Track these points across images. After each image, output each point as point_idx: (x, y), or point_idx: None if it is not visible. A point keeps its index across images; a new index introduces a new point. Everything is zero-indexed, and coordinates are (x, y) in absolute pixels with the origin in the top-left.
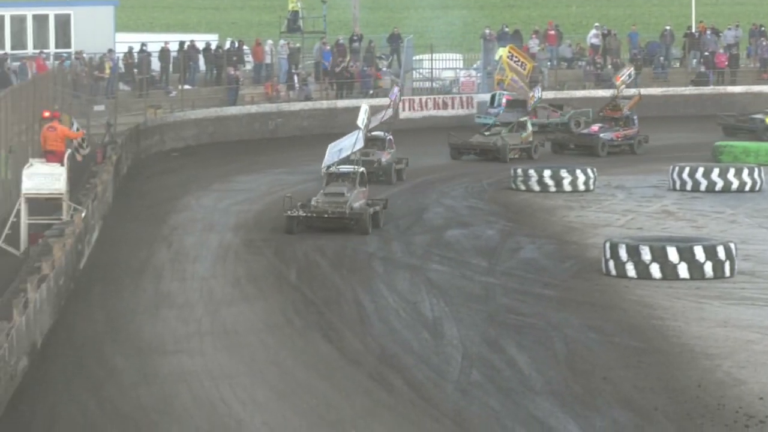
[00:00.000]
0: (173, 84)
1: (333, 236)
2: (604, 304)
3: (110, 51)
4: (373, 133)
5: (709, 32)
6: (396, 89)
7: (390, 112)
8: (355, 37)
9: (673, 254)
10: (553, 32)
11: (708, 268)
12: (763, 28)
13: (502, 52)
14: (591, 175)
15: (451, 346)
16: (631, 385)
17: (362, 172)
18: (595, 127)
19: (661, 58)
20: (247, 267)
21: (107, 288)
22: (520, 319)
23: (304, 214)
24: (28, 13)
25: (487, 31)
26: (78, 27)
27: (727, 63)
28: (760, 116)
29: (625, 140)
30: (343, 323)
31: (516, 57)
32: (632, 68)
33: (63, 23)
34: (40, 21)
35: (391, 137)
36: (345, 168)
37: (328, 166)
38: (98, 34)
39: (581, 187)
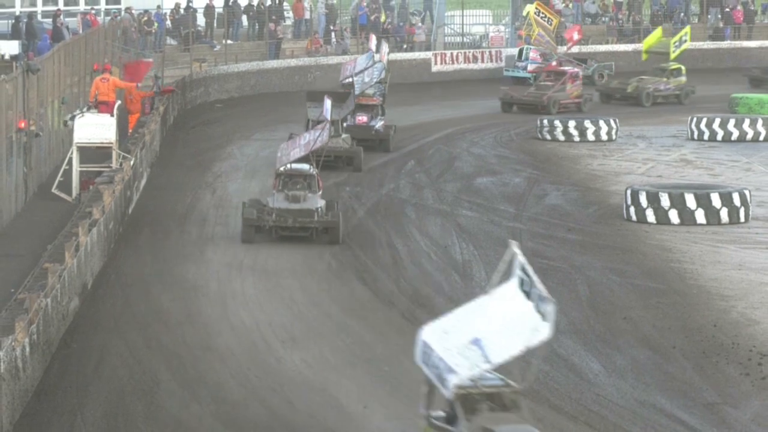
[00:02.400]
0: (217, 39)
1: (369, 183)
2: (625, 248)
3: (158, 7)
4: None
5: None
6: (384, 46)
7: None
8: None
9: (690, 201)
10: None
11: (724, 214)
12: None
13: (529, 8)
14: (613, 125)
15: (479, 288)
16: (650, 324)
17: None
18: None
19: (681, 14)
20: None
21: (154, 232)
22: (545, 262)
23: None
24: None
25: None
26: None
27: (743, 19)
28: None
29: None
30: (378, 266)
31: (543, 13)
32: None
33: None
34: None
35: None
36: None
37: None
38: None
39: (604, 137)
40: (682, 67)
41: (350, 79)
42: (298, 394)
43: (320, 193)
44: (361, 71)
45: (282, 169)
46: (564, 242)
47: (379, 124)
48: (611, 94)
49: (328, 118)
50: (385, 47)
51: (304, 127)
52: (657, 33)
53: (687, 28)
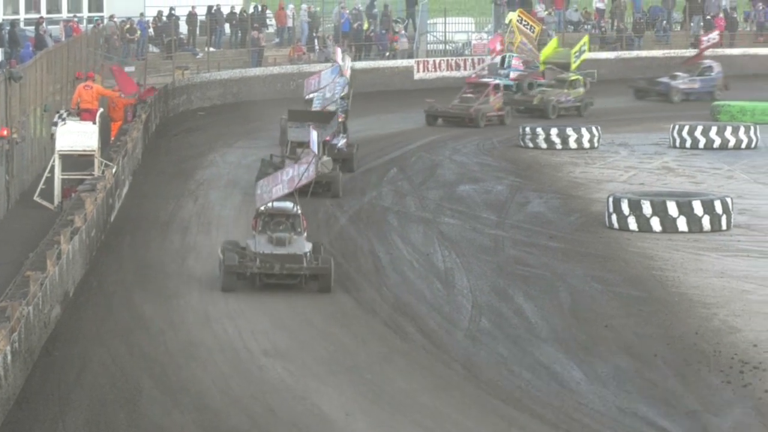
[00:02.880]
0: (200, 46)
1: (350, 191)
2: (607, 256)
3: (141, 15)
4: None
5: None
6: (347, 60)
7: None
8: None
9: (672, 208)
10: None
11: (706, 221)
12: None
13: (512, 16)
14: (596, 133)
15: (461, 296)
16: (632, 332)
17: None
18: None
19: (663, 22)
20: None
21: (136, 240)
22: (527, 269)
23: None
24: None
25: None
26: None
27: (725, 26)
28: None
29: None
30: (360, 274)
31: (525, 21)
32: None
33: None
34: None
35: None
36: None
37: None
38: None
39: (586, 145)
40: (581, 78)
41: (312, 95)
42: (280, 402)
43: (305, 234)
44: (325, 86)
45: (263, 208)
46: (546, 250)
47: (341, 142)
48: (516, 106)
49: (315, 150)
50: (347, 61)
51: (284, 148)
52: (553, 43)
53: (585, 38)
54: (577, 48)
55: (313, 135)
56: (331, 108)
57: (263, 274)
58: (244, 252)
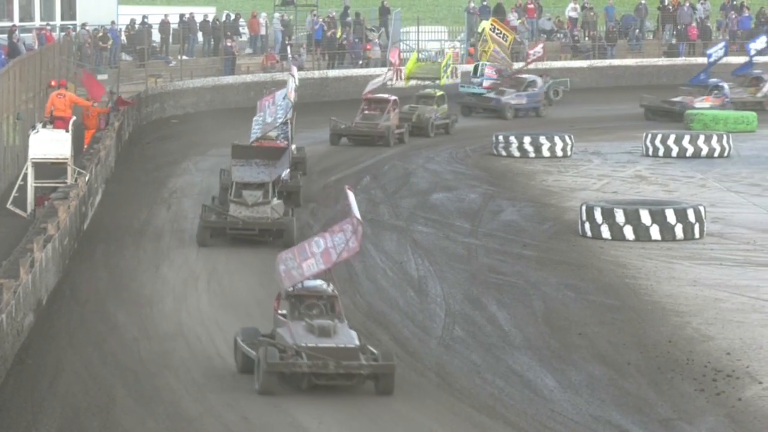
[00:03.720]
0: (173, 54)
1: (324, 199)
2: (580, 264)
3: (113, 23)
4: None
5: (687, 6)
6: (291, 81)
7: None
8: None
9: (645, 217)
10: (531, 6)
11: (678, 230)
12: (735, 2)
13: (485, 25)
14: (568, 141)
15: (435, 304)
16: (606, 340)
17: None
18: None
19: (636, 31)
20: None
21: (109, 248)
22: (501, 278)
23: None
24: None
25: (471, 5)
26: (82, 0)
27: (697, 35)
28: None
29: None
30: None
31: (498, 29)
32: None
33: None
34: None
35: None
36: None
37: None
38: (102, 6)
39: (559, 153)
40: (443, 95)
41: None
42: (254, 411)
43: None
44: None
45: (291, 288)
46: (519, 258)
47: (284, 173)
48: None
49: (358, 215)
50: (291, 82)
51: (229, 191)
52: (413, 58)
53: (449, 53)
54: (445, 62)
55: (351, 197)
56: (272, 134)
57: (314, 374)
58: (281, 346)
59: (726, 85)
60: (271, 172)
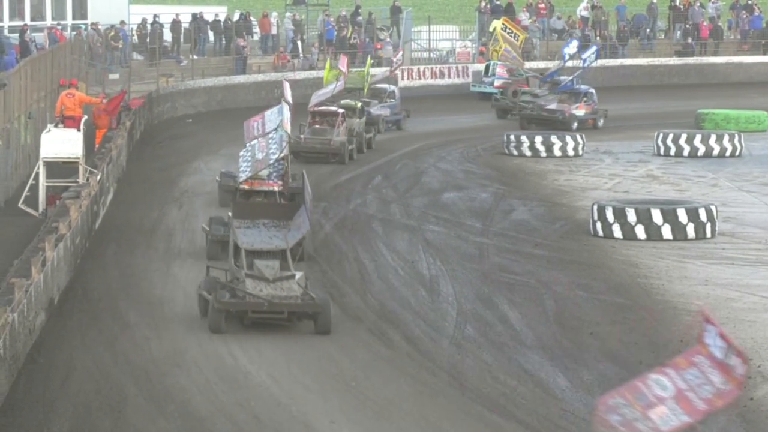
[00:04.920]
0: (184, 54)
1: (336, 198)
2: (592, 263)
3: (122, 22)
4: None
5: (698, 5)
6: (286, 109)
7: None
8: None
9: (657, 216)
10: (543, 5)
11: (690, 229)
12: (749, 2)
13: (496, 24)
14: (580, 141)
15: (446, 303)
16: (617, 339)
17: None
18: None
19: (647, 30)
20: None
21: (121, 247)
22: (512, 277)
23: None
24: None
25: (482, 4)
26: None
27: (709, 34)
28: (556, 107)
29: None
30: (345, 281)
31: (509, 29)
32: (401, 53)
33: None
34: None
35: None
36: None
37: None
38: (113, 6)
39: (570, 153)
40: (363, 106)
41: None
42: (265, 410)
43: None
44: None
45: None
46: (531, 257)
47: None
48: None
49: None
50: (286, 109)
51: (235, 259)
52: (327, 66)
53: (368, 61)
54: (366, 71)
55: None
56: (263, 174)
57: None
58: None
59: (594, 91)
60: (287, 236)
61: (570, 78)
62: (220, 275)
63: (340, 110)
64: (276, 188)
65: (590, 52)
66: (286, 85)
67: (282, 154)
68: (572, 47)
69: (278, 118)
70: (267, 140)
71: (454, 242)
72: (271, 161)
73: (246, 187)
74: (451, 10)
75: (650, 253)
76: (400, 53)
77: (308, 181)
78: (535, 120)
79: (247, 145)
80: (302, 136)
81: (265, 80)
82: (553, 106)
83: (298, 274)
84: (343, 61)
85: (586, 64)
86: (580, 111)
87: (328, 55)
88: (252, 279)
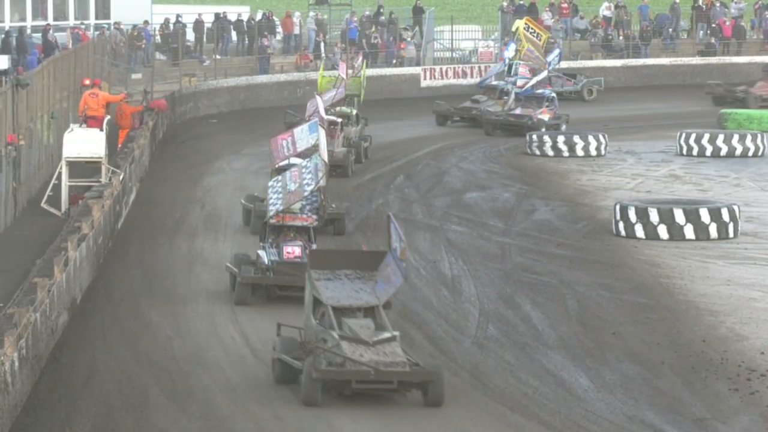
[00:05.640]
0: (207, 54)
1: (358, 198)
2: (614, 263)
3: (145, 22)
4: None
5: (718, 5)
6: (321, 134)
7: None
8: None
9: (679, 216)
10: (566, 5)
11: (713, 229)
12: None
13: (519, 24)
14: (602, 140)
15: (468, 303)
16: (639, 339)
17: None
18: None
19: (670, 30)
20: None
21: (143, 247)
22: (534, 277)
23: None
24: None
25: (505, 3)
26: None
27: (732, 33)
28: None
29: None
30: None
31: (532, 28)
32: (361, 59)
33: None
34: None
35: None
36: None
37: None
38: (136, 5)
39: (593, 152)
40: (358, 113)
41: (284, 162)
42: (287, 410)
43: None
44: (300, 153)
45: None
46: (553, 257)
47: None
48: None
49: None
50: (322, 135)
51: (311, 316)
52: (321, 70)
53: (364, 66)
54: (362, 77)
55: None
56: (295, 208)
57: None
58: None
59: (555, 96)
60: (375, 289)
61: (533, 82)
62: (290, 333)
63: (339, 119)
64: (310, 223)
65: (554, 55)
66: (319, 102)
67: (318, 185)
68: (510, 50)
69: (309, 136)
70: (300, 169)
71: (476, 242)
72: (306, 193)
73: (276, 221)
74: (474, 10)
75: (672, 253)
76: (360, 59)
77: (397, 223)
78: (501, 126)
79: (276, 155)
80: None
81: (287, 80)
82: (518, 111)
83: (397, 334)
84: (342, 67)
85: (551, 67)
86: (544, 116)
87: (331, 57)
88: (348, 342)
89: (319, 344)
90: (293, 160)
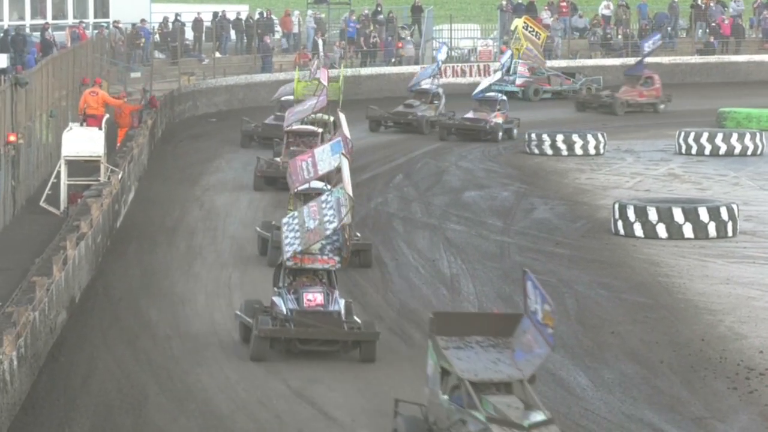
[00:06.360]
0: (206, 52)
1: (357, 197)
2: (613, 262)
3: (144, 21)
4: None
5: (713, 4)
6: (344, 162)
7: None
8: (379, 9)
9: (678, 215)
10: (565, 4)
11: (711, 228)
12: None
13: (517, 23)
14: (601, 139)
15: (467, 302)
16: (638, 339)
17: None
18: None
19: (669, 29)
20: None
21: (142, 245)
22: (533, 276)
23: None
24: None
25: (503, 2)
26: None
27: (730, 32)
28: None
29: None
30: (365, 279)
31: (531, 27)
32: (509, 52)
33: None
34: None
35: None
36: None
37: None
38: (135, 4)
39: (592, 151)
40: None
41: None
42: (286, 408)
43: None
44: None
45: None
46: (552, 256)
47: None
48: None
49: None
50: (344, 164)
51: (439, 390)
52: (296, 76)
53: (342, 70)
54: (340, 81)
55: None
56: (315, 248)
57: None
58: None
59: (506, 99)
60: (514, 360)
61: (485, 85)
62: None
63: (319, 129)
64: (331, 266)
65: (506, 57)
66: (343, 119)
67: (342, 223)
68: (443, 53)
69: (332, 158)
70: (319, 205)
71: (475, 241)
72: (328, 232)
73: (293, 263)
74: (473, 9)
75: (671, 251)
76: (317, 61)
77: (534, 277)
78: (456, 131)
79: (294, 180)
80: (279, 159)
81: (286, 79)
82: (471, 114)
83: (549, 415)
84: (323, 73)
85: (504, 69)
86: (498, 119)
87: (314, 60)
88: (500, 426)
89: (457, 426)
90: (314, 184)
